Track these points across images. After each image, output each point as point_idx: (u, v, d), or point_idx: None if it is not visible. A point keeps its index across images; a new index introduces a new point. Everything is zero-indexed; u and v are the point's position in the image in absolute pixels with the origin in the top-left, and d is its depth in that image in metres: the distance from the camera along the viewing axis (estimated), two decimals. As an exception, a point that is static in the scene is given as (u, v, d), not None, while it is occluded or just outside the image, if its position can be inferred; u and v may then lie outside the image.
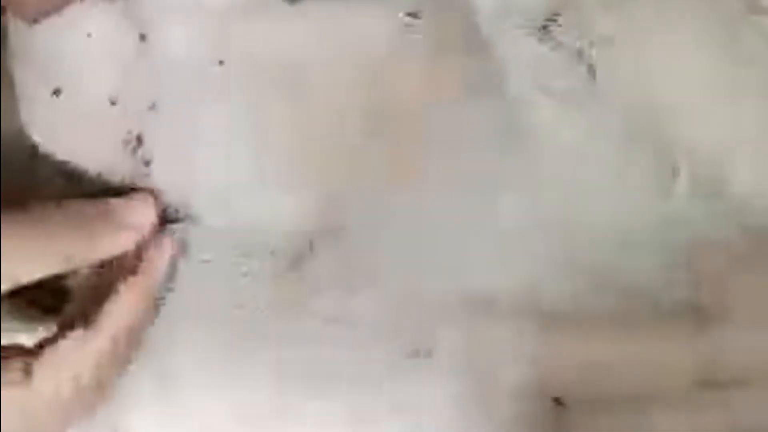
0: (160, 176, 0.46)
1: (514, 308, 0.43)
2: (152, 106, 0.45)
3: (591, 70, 0.44)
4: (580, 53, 0.44)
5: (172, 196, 0.46)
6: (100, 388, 0.42)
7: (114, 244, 0.42)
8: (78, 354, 0.40)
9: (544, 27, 0.44)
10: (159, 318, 0.45)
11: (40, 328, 0.45)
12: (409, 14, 0.45)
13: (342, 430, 0.43)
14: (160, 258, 0.43)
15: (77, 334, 0.40)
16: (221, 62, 0.45)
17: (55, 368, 0.39)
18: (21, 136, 0.46)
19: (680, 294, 0.43)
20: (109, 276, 0.42)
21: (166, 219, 0.46)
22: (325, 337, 0.44)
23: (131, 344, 0.43)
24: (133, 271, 0.42)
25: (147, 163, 0.46)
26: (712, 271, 0.43)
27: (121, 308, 0.41)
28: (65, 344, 0.40)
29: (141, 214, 0.43)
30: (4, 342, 0.41)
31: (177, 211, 0.46)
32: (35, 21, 0.45)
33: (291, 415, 0.44)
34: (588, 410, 0.41)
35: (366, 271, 0.44)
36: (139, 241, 0.43)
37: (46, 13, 0.44)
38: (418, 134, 0.45)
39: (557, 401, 0.42)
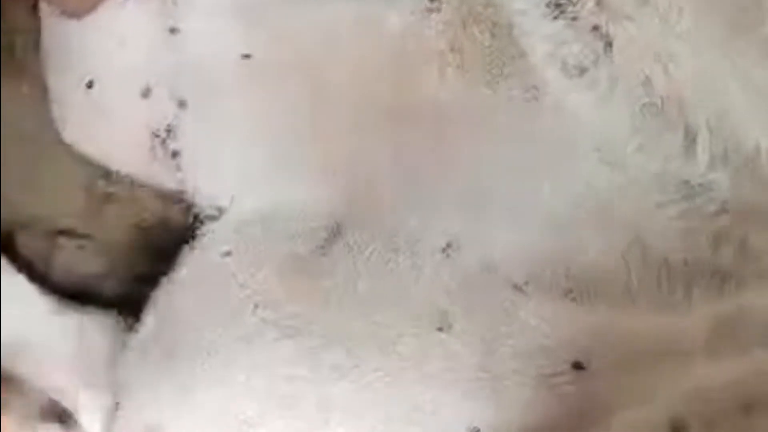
0: (188, 168, 0.47)
1: (537, 276, 0.44)
2: (181, 101, 0.46)
3: (608, 45, 0.44)
4: (596, 28, 0.44)
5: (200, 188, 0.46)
6: None
7: None
8: None
9: (559, 4, 0.45)
10: (179, 312, 0.47)
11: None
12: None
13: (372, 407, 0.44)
14: None
15: None
16: (247, 56, 0.46)
17: None
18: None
19: (701, 257, 0.44)
20: None
21: None
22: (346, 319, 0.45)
23: None
24: None
25: (175, 155, 0.47)
26: (732, 235, 0.43)
27: None
28: None
29: None
30: None
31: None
32: (77, 15, 0.46)
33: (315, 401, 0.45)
34: (607, 372, 0.42)
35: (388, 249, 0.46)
36: None
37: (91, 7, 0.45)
38: (444, 115, 0.46)
39: (577, 365, 0.42)
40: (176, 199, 0.51)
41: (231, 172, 0.48)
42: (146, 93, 0.48)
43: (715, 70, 0.44)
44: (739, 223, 0.44)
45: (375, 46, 0.46)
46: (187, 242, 0.50)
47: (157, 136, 0.48)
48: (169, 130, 0.48)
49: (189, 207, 0.49)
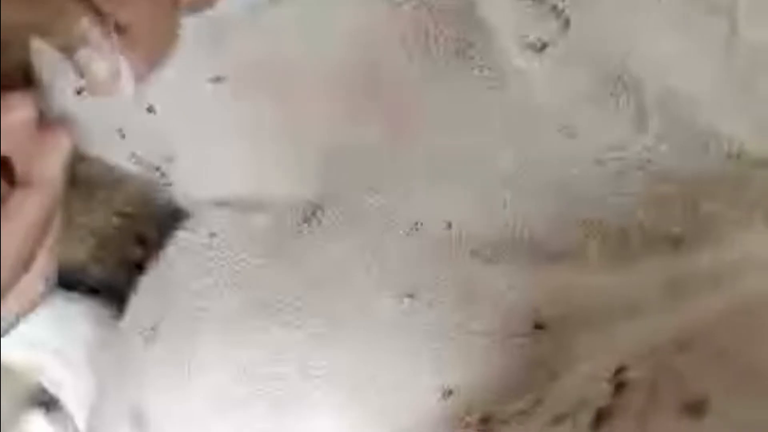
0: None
1: (500, 245, 0.47)
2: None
3: (566, 23, 0.47)
4: (554, 8, 0.47)
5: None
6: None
7: None
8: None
9: None
10: (165, 296, 0.48)
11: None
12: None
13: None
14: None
15: None
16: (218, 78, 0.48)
17: None
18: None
19: (655, 223, 0.47)
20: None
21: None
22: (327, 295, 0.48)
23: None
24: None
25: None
26: (683, 202, 0.47)
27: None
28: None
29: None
30: None
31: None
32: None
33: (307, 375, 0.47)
34: (565, 331, 0.45)
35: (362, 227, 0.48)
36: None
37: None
38: (412, 97, 0.48)
39: (538, 325, 0.46)
40: (159, 185, 0.51)
41: (211, 165, 0.50)
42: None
43: (664, 50, 0.47)
44: (690, 191, 0.47)
45: (345, 37, 0.48)
46: (171, 227, 0.51)
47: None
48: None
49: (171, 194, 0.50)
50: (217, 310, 0.48)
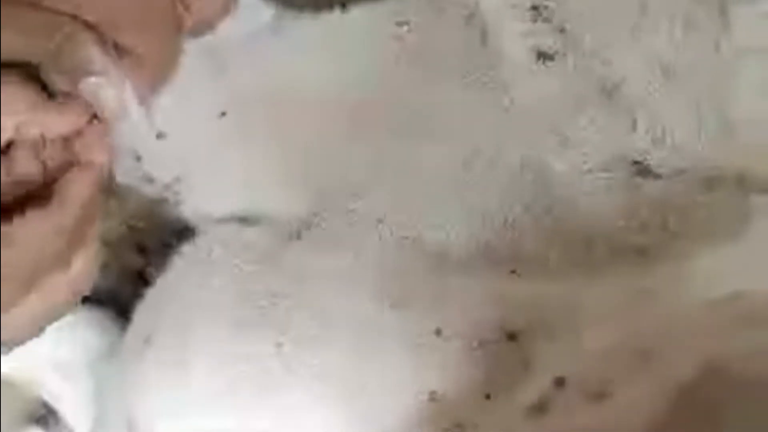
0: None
1: (483, 258, 0.50)
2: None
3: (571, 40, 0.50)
4: (563, 30, 0.50)
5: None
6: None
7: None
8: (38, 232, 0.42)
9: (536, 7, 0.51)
10: (173, 306, 0.50)
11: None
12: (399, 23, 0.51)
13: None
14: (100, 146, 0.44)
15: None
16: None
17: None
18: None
19: (628, 236, 0.49)
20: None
21: None
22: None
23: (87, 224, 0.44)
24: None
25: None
26: (656, 216, 0.49)
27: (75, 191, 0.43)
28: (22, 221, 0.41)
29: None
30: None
31: None
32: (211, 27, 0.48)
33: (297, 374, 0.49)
34: (534, 340, 0.48)
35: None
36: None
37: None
38: (411, 110, 0.51)
39: (510, 335, 0.48)
40: (170, 203, 0.53)
41: (214, 185, 0.52)
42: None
43: (649, 66, 0.50)
44: (666, 207, 0.49)
45: (341, 57, 0.50)
46: (174, 240, 0.52)
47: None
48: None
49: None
50: (216, 317, 0.50)
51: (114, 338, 0.56)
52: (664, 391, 0.42)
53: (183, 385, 0.49)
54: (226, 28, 0.47)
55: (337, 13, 0.50)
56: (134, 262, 0.57)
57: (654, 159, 0.49)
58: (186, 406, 0.49)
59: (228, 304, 0.50)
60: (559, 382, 0.45)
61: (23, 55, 0.41)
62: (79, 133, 0.43)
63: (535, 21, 0.50)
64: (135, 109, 0.43)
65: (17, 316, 0.43)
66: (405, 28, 0.50)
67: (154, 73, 0.44)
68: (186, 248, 0.52)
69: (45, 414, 0.56)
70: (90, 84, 0.42)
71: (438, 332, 0.48)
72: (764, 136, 0.49)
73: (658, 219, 0.49)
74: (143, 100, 0.43)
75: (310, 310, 0.49)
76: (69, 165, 0.43)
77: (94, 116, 0.43)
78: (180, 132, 0.50)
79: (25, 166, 0.43)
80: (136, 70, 0.43)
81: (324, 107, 0.50)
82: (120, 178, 0.53)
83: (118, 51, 0.42)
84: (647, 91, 0.50)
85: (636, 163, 0.49)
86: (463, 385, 0.48)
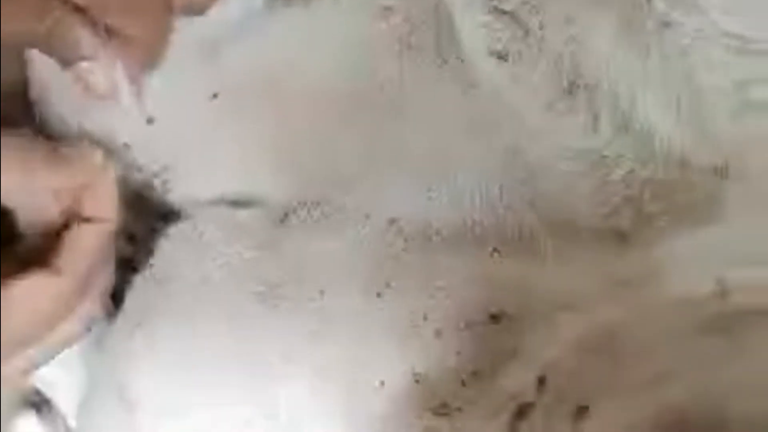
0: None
1: (468, 240, 0.51)
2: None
3: (526, 33, 0.51)
4: (516, 17, 0.51)
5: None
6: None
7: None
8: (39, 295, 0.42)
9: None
10: (164, 289, 0.51)
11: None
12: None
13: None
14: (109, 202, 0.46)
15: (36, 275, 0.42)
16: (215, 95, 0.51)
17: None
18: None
19: (605, 222, 0.51)
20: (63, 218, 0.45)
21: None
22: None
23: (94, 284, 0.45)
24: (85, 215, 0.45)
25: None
26: (631, 201, 0.51)
27: (80, 248, 0.44)
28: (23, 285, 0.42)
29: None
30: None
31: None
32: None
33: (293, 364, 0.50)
34: (517, 322, 0.50)
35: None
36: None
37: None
38: (398, 101, 0.52)
39: (493, 316, 0.50)
40: (158, 190, 0.54)
41: (205, 169, 0.53)
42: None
43: (611, 59, 0.51)
44: (638, 191, 0.51)
45: (333, 47, 0.51)
46: (162, 226, 0.53)
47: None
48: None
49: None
50: (206, 300, 0.51)
51: (106, 327, 0.56)
52: (642, 407, 0.45)
53: (178, 369, 0.50)
54: (218, 11, 0.48)
55: (327, 1, 0.51)
56: (123, 250, 0.57)
57: (619, 147, 0.51)
58: (182, 388, 0.50)
59: (224, 289, 0.51)
60: (541, 381, 0.47)
61: (16, 38, 0.42)
62: (86, 187, 0.44)
63: (493, 13, 0.51)
64: (125, 91, 0.44)
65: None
66: (390, 14, 0.51)
67: (145, 54, 0.44)
68: (173, 231, 0.53)
69: (38, 401, 0.57)
70: (81, 68, 0.43)
71: (425, 317, 0.50)
72: (739, 128, 0.50)
73: (632, 203, 0.51)
74: (134, 81, 0.44)
75: (303, 296, 0.50)
76: (73, 218, 0.44)
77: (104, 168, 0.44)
78: (170, 114, 0.51)
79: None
80: (126, 52, 0.43)
81: (315, 94, 0.51)
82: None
83: (109, 32, 0.43)
84: (610, 82, 0.51)
85: (604, 156, 0.51)
86: (450, 367, 0.49)
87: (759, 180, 0.50)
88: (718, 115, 0.50)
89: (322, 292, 0.50)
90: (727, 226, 0.50)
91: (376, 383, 0.49)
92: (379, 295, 0.50)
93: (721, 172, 0.50)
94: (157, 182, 0.53)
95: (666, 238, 0.50)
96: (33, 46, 0.43)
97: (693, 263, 0.49)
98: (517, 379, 0.48)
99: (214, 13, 0.48)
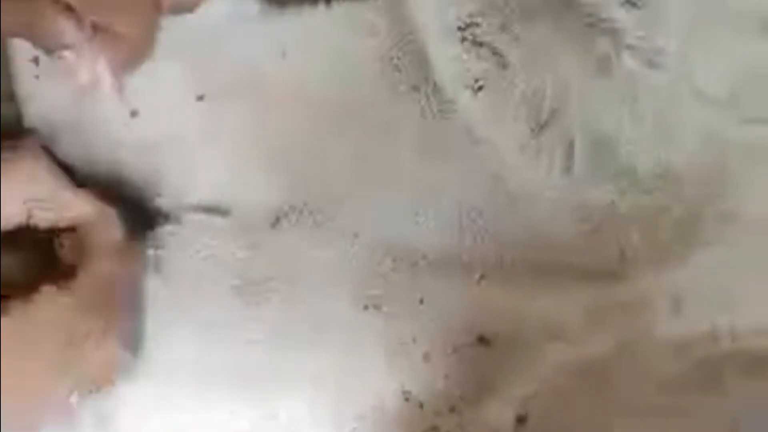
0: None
1: (455, 265, 0.52)
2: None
3: (503, 65, 0.52)
4: (496, 52, 0.51)
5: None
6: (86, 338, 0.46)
7: None
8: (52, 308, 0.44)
9: (464, 28, 0.52)
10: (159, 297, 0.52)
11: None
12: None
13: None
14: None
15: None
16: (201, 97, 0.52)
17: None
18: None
19: (588, 257, 0.52)
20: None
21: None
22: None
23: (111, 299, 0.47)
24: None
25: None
26: (614, 238, 0.52)
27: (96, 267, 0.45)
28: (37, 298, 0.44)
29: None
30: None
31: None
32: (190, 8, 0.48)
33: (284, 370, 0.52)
34: (503, 346, 0.51)
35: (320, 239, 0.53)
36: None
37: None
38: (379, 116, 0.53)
39: (481, 339, 0.51)
40: (149, 192, 0.54)
41: (193, 173, 0.53)
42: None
43: (583, 95, 0.52)
44: (612, 228, 0.52)
45: (322, 57, 0.52)
46: (152, 228, 0.54)
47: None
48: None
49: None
50: (194, 303, 0.52)
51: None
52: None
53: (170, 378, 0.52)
54: (208, 11, 0.48)
55: (321, 9, 0.52)
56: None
57: (598, 179, 0.52)
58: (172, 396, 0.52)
59: (216, 287, 0.52)
60: (520, 420, 0.49)
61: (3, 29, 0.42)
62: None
63: (465, 43, 0.51)
64: (108, 85, 0.44)
65: None
66: (377, 31, 0.52)
67: (131, 51, 0.45)
68: (163, 233, 0.53)
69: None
70: (66, 60, 0.43)
71: (414, 339, 0.51)
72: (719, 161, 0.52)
73: (615, 235, 0.52)
74: (118, 77, 0.44)
75: (301, 310, 0.51)
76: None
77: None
78: (155, 112, 0.51)
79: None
80: (112, 48, 0.44)
81: (304, 101, 0.52)
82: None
83: (95, 28, 0.43)
84: (586, 114, 0.51)
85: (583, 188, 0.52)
86: (439, 390, 0.51)
87: (744, 215, 0.51)
88: (696, 146, 0.51)
89: (312, 292, 0.51)
90: (715, 261, 0.51)
91: (365, 396, 0.51)
92: (366, 308, 0.51)
93: (702, 203, 0.52)
94: (146, 185, 0.53)
95: (653, 273, 0.51)
96: (16, 35, 0.44)
97: (684, 301, 0.51)
98: (500, 417, 0.50)
99: (202, 12, 0.48)
